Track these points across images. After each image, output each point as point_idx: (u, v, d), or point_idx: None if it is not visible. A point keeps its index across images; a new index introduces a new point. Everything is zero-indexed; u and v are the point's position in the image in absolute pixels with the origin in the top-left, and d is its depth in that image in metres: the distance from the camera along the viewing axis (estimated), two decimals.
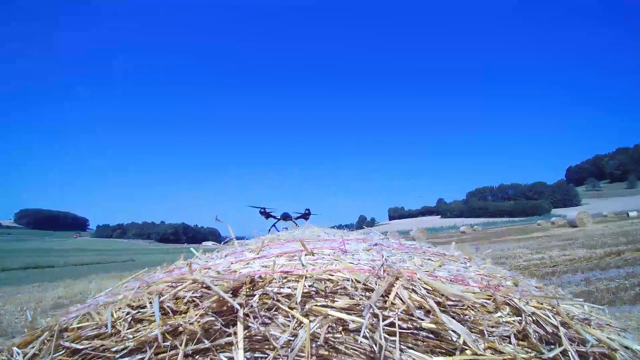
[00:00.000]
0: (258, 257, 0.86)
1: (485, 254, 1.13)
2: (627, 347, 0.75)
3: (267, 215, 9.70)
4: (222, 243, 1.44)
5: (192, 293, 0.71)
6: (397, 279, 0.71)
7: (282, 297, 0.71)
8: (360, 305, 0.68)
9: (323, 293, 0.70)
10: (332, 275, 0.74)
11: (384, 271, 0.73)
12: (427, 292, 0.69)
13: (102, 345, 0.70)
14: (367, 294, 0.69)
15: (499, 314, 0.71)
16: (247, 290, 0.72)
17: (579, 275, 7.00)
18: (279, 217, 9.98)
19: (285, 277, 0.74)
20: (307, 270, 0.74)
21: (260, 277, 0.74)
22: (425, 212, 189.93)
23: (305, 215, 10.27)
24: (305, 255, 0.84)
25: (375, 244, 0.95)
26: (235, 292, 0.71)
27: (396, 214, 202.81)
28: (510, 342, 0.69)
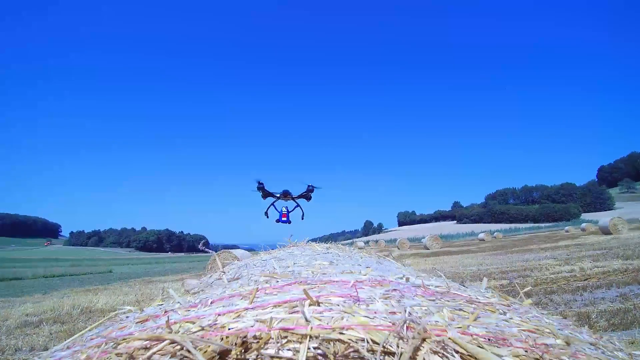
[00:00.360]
0: (251, 308, 0.79)
1: (525, 292, 1.05)
2: None
3: (265, 193, 9.96)
4: (208, 276, 1.36)
5: (170, 357, 0.65)
6: (424, 340, 0.64)
7: None
8: None
9: (332, 357, 0.63)
10: (342, 333, 0.67)
11: (408, 328, 0.66)
12: (462, 359, 0.62)
13: None
14: (387, 358, 0.63)
15: None
16: (238, 353, 0.65)
17: (614, 290, 6.93)
18: (278, 195, 10.27)
19: (285, 337, 0.67)
20: (311, 328, 0.67)
21: (254, 336, 0.67)
22: (439, 217, 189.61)
23: (307, 194, 10.61)
24: (310, 305, 0.77)
25: (395, 289, 0.87)
26: (223, 357, 0.64)
27: (406, 219, 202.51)
28: None
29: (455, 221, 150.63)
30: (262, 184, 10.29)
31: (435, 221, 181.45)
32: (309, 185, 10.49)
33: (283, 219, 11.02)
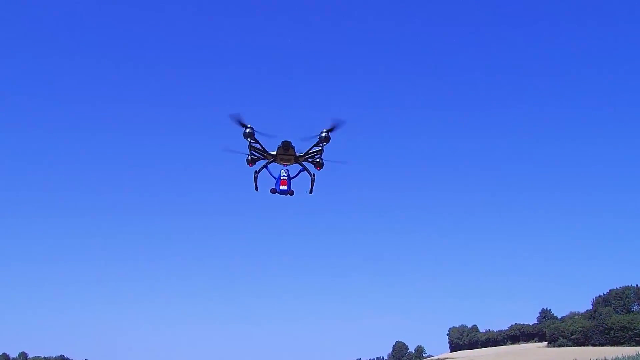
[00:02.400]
0: None
1: None
2: None
3: (254, 149, 6.38)
4: None
5: None
6: None
7: None
8: None
9: None
10: None
11: None
12: None
13: None
14: None
15: None
16: None
17: None
18: (273, 153, 6.46)
19: None
20: None
21: None
22: (518, 335, 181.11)
23: (318, 153, 7.54)
24: None
25: None
26: None
27: (463, 340, 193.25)
28: None
29: (545, 342, 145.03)
30: (252, 128, 5.07)
31: (512, 342, 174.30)
32: (321, 132, 5.51)
33: (282, 187, 6.28)
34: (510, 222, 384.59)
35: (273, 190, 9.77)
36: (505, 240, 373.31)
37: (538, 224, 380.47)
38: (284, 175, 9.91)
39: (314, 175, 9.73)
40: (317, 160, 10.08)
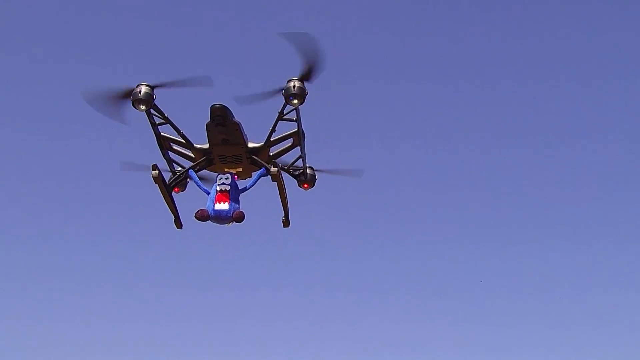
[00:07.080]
0: None
1: None
2: None
3: (172, 148, 4.39)
4: None
5: None
6: None
7: None
8: None
9: None
10: None
11: None
12: None
13: None
14: None
15: None
16: None
17: None
18: (201, 148, 5.30)
19: None
20: None
21: None
22: None
23: (297, 137, 5.69)
24: None
25: None
26: None
27: None
28: None
29: None
30: (150, 88, 4.96)
31: None
32: (288, 81, 5.07)
33: (218, 207, 5.14)
34: None
35: (202, 215, 5.07)
36: None
37: None
38: (223, 187, 5.20)
39: (276, 175, 5.28)
40: (299, 167, 5.82)
